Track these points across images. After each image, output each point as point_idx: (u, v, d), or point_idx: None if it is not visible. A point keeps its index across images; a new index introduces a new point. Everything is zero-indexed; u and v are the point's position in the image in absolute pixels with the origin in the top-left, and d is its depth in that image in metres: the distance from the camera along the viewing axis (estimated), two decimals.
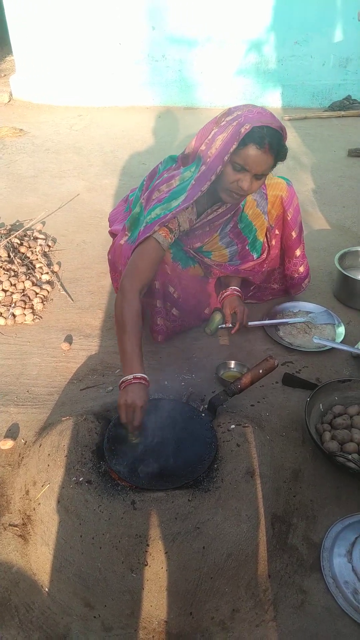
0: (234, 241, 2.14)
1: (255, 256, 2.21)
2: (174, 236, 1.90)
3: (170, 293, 2.10)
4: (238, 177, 1.75)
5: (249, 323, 2.30)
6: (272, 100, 5.57)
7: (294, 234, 2.27)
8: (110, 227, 2.36)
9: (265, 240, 2.24)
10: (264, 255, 2.24)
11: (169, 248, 1.96)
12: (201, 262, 2.18)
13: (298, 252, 2.34)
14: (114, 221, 2.31)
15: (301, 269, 2.40)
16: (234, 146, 1.67)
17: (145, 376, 1.66)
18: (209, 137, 1.77)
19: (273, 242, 2.28)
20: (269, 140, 1.67)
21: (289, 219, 2.22)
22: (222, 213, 1.98)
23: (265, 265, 2.28)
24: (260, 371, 1.76)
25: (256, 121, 1.66)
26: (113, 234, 2.26)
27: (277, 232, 2.27)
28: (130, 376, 1.64)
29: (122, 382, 1.64)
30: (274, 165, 1.78)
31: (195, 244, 2.09)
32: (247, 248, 2.18)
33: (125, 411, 1.60)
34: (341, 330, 2.31)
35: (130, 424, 1.59)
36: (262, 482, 1.56)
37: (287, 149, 1.77)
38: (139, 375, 1.65)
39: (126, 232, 2.12)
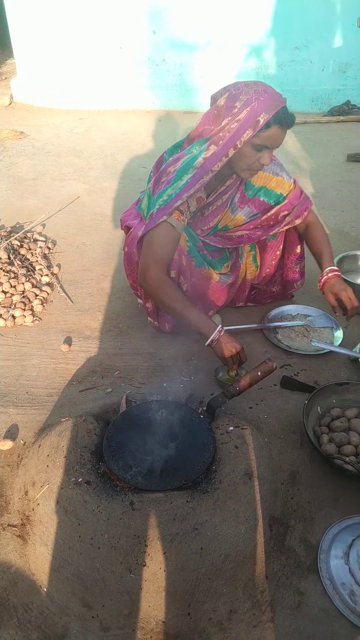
0: (245, 205, 2.18)
1: (272, 203, 2.20)
2: (186, 218, 1.98)
3: (180, 284, 2.12)
4: (259, 156, 1.88)
5: (246, 326, 2.32)
6: None
7: (298, 249, 2.35)
8: (122, 226, 2.36)
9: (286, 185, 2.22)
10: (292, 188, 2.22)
11: (184, 233, 2.05)
12: (224, 242, 2.22)
13: (298, 249, 2.38)
14: (126, 220, 2.33)
15: (297, 267, 2.44)
16: (250, 134, 1.80)
17: (220, 328, 1.92)
18: (221, 121, 1.85)
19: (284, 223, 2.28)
20: (285, 117, 1.83)
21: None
22: (230, 185, 2.07)
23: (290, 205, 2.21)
24: (259, 373, 1.77)
25: (271, 107, 1.78)
26: (127, 228, 2.26)
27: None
28: (214, 334, 1.90)
29: (211, 341, 1.91)
30: None
31: (211, 222, 2.15)
32: (267, 204, 2.19)
33: (232, 360, 1.93)
34: (339, 333, 2.32)
35: (237, 366, 1.97)
36: (260, 484, 1.57)
37: (293, 117, 1.90)
38: (218, 329, 1.91)
39: (143, 223, 2.15)
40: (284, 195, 2.18)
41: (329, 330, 2.34)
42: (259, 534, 1.50)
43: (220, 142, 1.85)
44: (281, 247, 2.38)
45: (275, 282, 2.50)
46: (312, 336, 2.29)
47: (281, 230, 2.25)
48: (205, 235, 2.20)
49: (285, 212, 2.20)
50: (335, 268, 2.17)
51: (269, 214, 2.18)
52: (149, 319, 2.31)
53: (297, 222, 2.22)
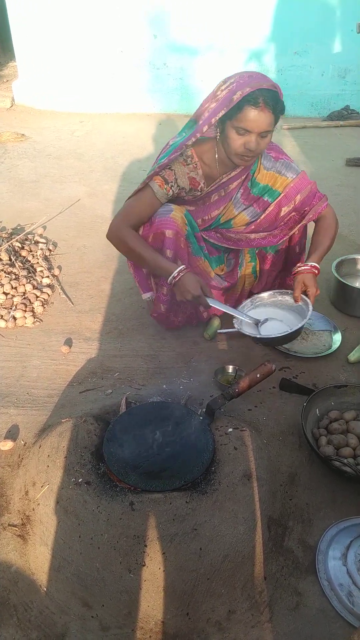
0: (250, 205, 2.18)
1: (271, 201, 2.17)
2: (171, 188, 2.03)
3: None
4: (244, 140, 1.87)
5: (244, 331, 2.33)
6: None
7: (297, 249, 2.34)
8: None
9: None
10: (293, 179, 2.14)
11: (183, 217, 2.06)
12: (222, 240, 2.23)
13: (297, 249, 2.36)
14: None
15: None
16: (223, 111, 1.80)
17: (181, 267, 1.94)
18: (205, 105, 1.91)
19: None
20: (263, 98, 1.77)
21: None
22: (234, 176, 2.08)
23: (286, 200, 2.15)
24: (258, 376, 1.78)
25: (247, 86, 1.77)
26: None
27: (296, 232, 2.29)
28: (170, 277, 1.94)
29: (172, 279, 1.94)
30: (276, 121, 1.88)
31: (213, 212, 2.17)
32: (268, 202, 2.16)
33: (192, 301, 1.96)
34: (338, 337, 2.33)
35: (202, 306, 2.01)
36: (259, 485, 1.58)
37: (283, 104, 1.86)
38: (175, 270, 1.94)
39: None
40: (279, 192, 2.13)
41: (328, 334, 2.35)
42: (258, 535, 1.51)
43: (200, 120, 1.92)
44: (281, 263, 2.38)
45: (278, 283, 2.49)
46: (311, 339, 2.31)
47: (287, 234, 2.20)
48: (205, 229, 2.22)
49: (288, 210, 2.14)
50: (318, 266, 2.11)
51: (267, 210, 2.15)
52: (147, 295, 2.31)
53: (309, 217, 2.16)
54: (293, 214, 2.18)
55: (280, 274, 2.46)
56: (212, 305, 1.98)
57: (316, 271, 2.09)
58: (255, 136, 1.85)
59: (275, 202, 2.14)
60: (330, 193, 3.85)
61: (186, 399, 1.98)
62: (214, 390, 2.06)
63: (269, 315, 2.14)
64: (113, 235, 2.09)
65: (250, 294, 2.45)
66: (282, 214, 2.16)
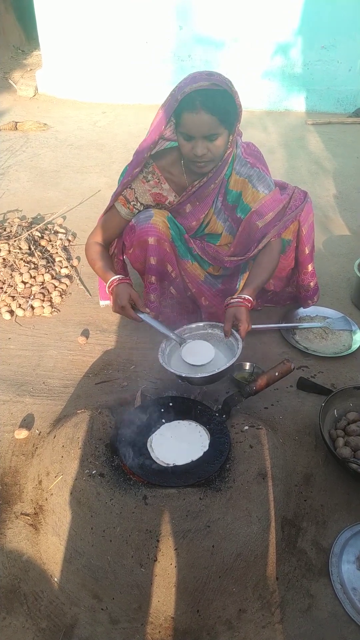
0: (228, 217, 2.07)
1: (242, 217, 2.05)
2: (134, 207, 2.02)
3: (168, 271, 2.11)
4: (191, 145, 1.77)
5: (264, 326, 2.29)
6: (297, 104, 5.56)
7: (307, 250, 2.21)
8: None
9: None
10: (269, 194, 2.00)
11: (165, 220, 2.02)
12: (203, 252, 2.16)
13: (309, 268, 2.29)
14: None
15: (311, 284, 2.35)
16: (167, 117, 1.75)
17: (118, 276, 1.90)
18: (156, 114, 1.83)
19: (288, 250, 2.21)
20: (200, 100, 1.65)
21: (303, 234, 2.16)
22: (205, 184, 1.96)
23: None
24: (277, 374, 1.76)
25: (184, 88, 1.66)
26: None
27: (293, 244, 2.22)
28: (107, 283, 1.91)
29: (108, 293, 1.92)
30: (224, 121, 1.71)
31: (192, 222, 2.08)
32: (239, 218, 2.05)
33: (121, 313, 1.88)
34: (358, 337, 2.29)
35: (131, 317, 1.86)
36: (274, 485, 1.56)
37: (228, 102, 1.70)
38: (112, 279, 1.90)
39: None
40: (249, 206, 1.99)
41: (348, 334, 2.31)
42: (271, 535, 1.49)
43: (150, 130, 1.85)
44: (292, 263, 2.29)
45: (292, 282, 2.45)
46: (331, 339, 2.27)
47: (257, 249, 2.03)
48: (192, 236, 2.15)
49: (260, 227, 2.00)
50: (252, 300, 1.90)
51: (239, 231, 2.05)
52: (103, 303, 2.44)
53: (266, 239, 2.00)
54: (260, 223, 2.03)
55: (293, 277, 2.39)
56: (143, 320, 1.86)
57: (249, 305, 1.89)
58: (200, 141, 1.73)
59: (246, 218, 2.01)
60: (354, 190, 3.81)
61: (202, 394, 1.96)
62: (230, 386, 2.04)
63: (197, 350, 1.91)
64: (85, 251, 2.11)
65: (266, 291, 2.41)
66: (255, 233, 2.02)
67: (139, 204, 2.01)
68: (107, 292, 1.93)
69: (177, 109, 1.71)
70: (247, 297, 1.89)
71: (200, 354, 1.88)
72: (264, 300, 2.47)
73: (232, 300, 1.90)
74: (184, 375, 1.78)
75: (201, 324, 2.04)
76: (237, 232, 2.07)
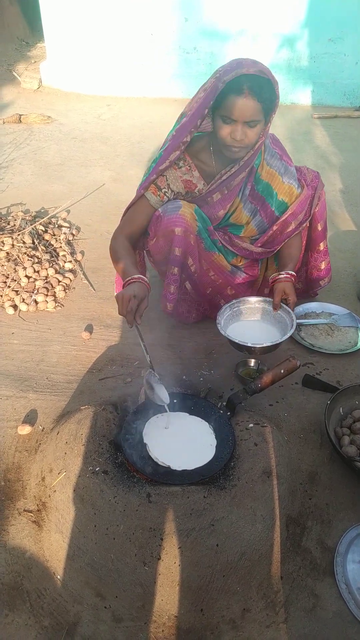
0: (257, 208, 2.10)
1: (277, 213, 2.12)
2: (165, 194, 1.99)
3: (188, 265, 2.10)
4: (230, 129, 1.77)
5: None
6: (303, 97, 5.51)
7: (319, 227, 2.25)
8: None
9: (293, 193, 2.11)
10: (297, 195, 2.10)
11: (192, 213, 1.99)
12: (230, 244, 2.17)
13: (322, 246, 2.31)
14: None
15: (322, 265, 2.36)
16: (212, 100, 1.73)
17: (142, 276, 1.78)
18: (195, 96, 1.83)
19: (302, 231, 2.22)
20: (247, 85, 1.67)
21: (316, 211, 2.19)
22: (235, 172, 1.97)
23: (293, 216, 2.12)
24: (282, 371, 1.74)
25: (232, 72, 1.68)
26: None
27: (306, 224, 2.23)
28: (127, 278, 1.78)
29: (122, 286, 1.79)
30: (265, 110, 1.76)
31: (218, 212, 2.08)
32: (274, 215, 2.12)
33: (122, 302, 1.69)
34: None
35: (128, 314, 1.67)
36: (279, 483, 1.55)
37: (272, 92, 1.73)
38: (135, 276, 1.77)
39: None
40: (287, 204, 2.09)
41: (354, 330, 2.29)
42: (276, 534, 1.48)
43: (189, 113, 1.83)
44: (304, 243, 2.31)
45: (298, 279, 2.44)
46: (337, 335, 2.25)
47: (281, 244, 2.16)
48: (215, 227, 2.15)
49: (292, 227, 2.12)
50: (295, 275, 2.08)
51: (274, 229, 2.11)
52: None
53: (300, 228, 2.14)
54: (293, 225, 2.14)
55: (303, 268, 2.40)
56: (134, 327, 1.74)
57: (293, 280, 2.07)
58: (240, 125, 1.75)
59: (283, 219, 2.09)
60: None
61: (206, 391, 1.95)
62: (235, 383, 2.03)
63: (246, 327, 2.09)
64: (111, 243, 2.02)
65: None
66: (287, 230, 2.13)
67: (170, 191, 2.00)
68: (122, 286, 1.82)
69: (222, 91, 1.70)
70: (291, 272, 2.05)
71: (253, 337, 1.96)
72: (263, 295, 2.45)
73: (279, 277, 2.05)
74: (249, 344, 1.91)
75: (254, 299, 2.14)
76: (272, 231, 2.12)
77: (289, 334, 1.94)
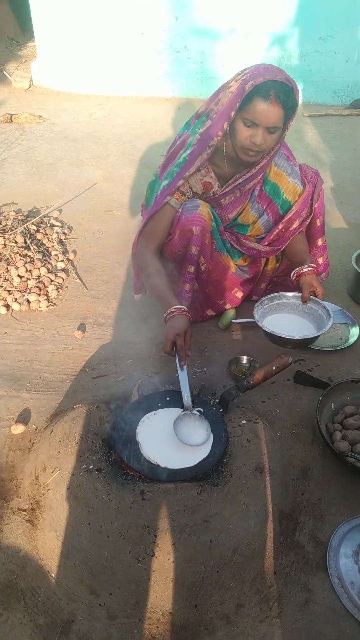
0: (263, 208, 2.13)
1: (282, 212, 2.15)
2: (187, 197, 2.01)
3: (199, 264, 2.11)
4: (250, 133, 1.80)
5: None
6: None
7: (318, 222, 2.27)
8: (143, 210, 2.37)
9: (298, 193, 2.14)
10: (299, 195, 2.14)
11: (209, 211, 2.02)
12: (237, 244, 2.19)
13: (320, 242, 2.34)
14: None
15: (320, 260, 2.39)
16: (238, 103, 1.74)
17: (181, 306, 1.82)
18: (218, 96, 1.85)
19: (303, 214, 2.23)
20: (274, 91, 1.71)
21: (315, 207, 2.21)
22: (250, 177, 2.01)
23: (298, 214, 2.15)
24: (274, 368, 1.75)
25: (260, 76, 1.70)
26: None
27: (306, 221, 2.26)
28: (167, 311, 1.81)
29: (164, 318, 1.83)
30: (286, 118, 1.80)
31: (230, 214, 2.11)
32: (279, 214, 2.14)
33: (167, 343, 1.74)
34: (355, 330, 2.29)
35: (178, 352, 1.73)
36: (271, 479, 1.56)
37: (295, 100, 1.78)
38: (174, 308, 1.80)
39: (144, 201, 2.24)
40: (291, 202, 2.12)
41: (345, 327, 2.30)
42: (269, 529, 1.49)
43: (215, 116, 1.84)
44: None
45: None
46: (328, 332, 2.26)
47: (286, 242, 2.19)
48: (224, 227, 2.18)
49: (296, 225, 2.15)
50: (315, 267, 2.15)
51: (279, 227, 2.12)
52: (137, 296, 2.35)
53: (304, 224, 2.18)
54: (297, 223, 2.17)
55: None
56: (178, 369, 1.76)
57: (316, 271, 2.14)
58: (262, 130, 1.78)
59: (288, 218, 2.11)
60: (351, 183, 3.80)
61: (199, 388, 1.96)
62: (227, 380, 2.04)
63: (278, 319, 2.13)
64: (139, 259, 2.05)
65: (270, 282, 2.42)
66: (291, 228, 2.15)
67: (191, 193, 2.02)
68: (164, 318, 1.83)
69: (250, 94, 1.72)
70: (313, 265, 2.11)
71: (196, 433, 1.68)
72: (262, 294, 2.46)
73: (303, 270, 2.09)
74: (284, 335, 1.96)
75: (290, 294, 2.17)
76: (278, 229, 2.13)
77: (328, 326, 1.99)
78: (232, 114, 1.78)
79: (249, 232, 2.19)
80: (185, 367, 1.75)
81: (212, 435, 1.66)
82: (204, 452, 1.62)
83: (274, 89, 1.70)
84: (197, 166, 1.92)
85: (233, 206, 2.10)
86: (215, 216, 2.08)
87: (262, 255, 2.23)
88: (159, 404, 1.78)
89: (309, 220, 2.20)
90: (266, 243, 2.18)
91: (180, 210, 2.00)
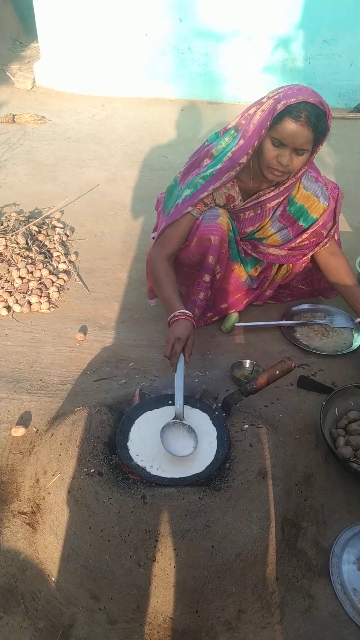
0: (285, 225, 2.12)
1: (305, 227, 2.14)
2: (209, 208, 2.01)
3: (215, 273, 2.10)
4: (278, 153, 1.79)
5: (265, 323, 2.29)
6: None
7: (336, 236, 2.25)
8: (158, 205, 2.37)
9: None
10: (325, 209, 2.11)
11: (228, 221, 2.02)
12: (254, 251, 2.18)
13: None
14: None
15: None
16: (269, 122, 1.73)
17: (185, 311, 1.81)
18: (250, 112, 1.84)
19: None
20: (306, 113, 1.70)
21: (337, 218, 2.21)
22: (273, 196, 2.00)
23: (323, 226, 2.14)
24: (277, 372, 1.74)
25: (293, 97, 1.70)
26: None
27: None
28: (171, 315, 1.81)
29: (168, 322, 1.83)
30: (315, 140, 1.78)
31: (247, 229, 2.11)
32: (302, 227, 2.13)
33: (171, 346, 1.74)
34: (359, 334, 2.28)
35: (172, 357, 1.73)
36: (274, 484, 1.55)
37: (326, 125, 1.76)
38: (178, 312, 1.80)
39: (160, 204, 2.24)
40: (316, 218, 2.11)
41: (349, 331, 2.29)
42: (271, 535, 1.48)
43: (247, 134, 1.83)
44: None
45: (299, 280, 2.45)
46: (332, 336, 2.26)
47: (305, 255, 2.20)
48: (240, 238, 2.17)
49: (324, 234, 2.15)
50: None
51: (302, 237, 2.12)
52: (152, 301, 2.35)
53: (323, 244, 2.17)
54: (314, 239, 2.16)
55: (309, 270, 2.40)
56: (176, 371, 1.75)
57: None
58: (289, 151, 1.78)
59: (312, 231, 2.10)
60: (355, 186, 3.79)
61: (201, 392, 1.94)
62: (230, 384, 2.02)
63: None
64: (151, 264, 2.03)
65: (279, 288, 2.40)
66: (318, 239, 2.16)
67: (214, 204, 2.02)
68: (168, 322, 1.84)
69: (281, 114, 1.71)
70: None
71: (180, 443, 1.63)
72: (266, 299, 2.45)
73: None
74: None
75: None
76: (302, 238, 2.12)
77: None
78: (263, 132, 1.77)
79: (265, 242, 2.18)
80: (182, 373, 1.73)
81: (197, 447, 1.60)
82: (205, 458, 1.61)
83: (305, 110, 1.69)
84: (224, 182, 1.91)
85: (251, 222, 2.10)
86: (233, 226, 2.07)
87: (280, 261, 2.20)
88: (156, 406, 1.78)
89: (334, 232, 2.17)
90: (286, 248, 2.16)
91: (200, 217, 2.00)
